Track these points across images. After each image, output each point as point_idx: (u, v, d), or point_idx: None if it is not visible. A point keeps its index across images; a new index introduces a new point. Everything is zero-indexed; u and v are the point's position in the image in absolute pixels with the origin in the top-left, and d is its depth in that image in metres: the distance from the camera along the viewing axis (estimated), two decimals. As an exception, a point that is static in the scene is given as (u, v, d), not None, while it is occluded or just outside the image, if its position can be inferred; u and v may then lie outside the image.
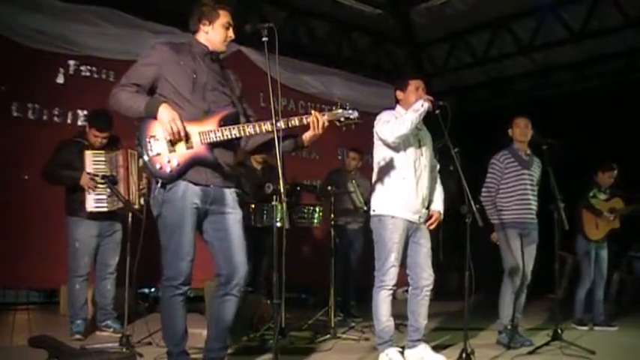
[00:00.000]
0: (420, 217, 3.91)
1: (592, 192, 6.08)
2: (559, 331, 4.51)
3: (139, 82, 3.00)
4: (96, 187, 4.41)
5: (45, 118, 6.16)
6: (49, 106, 6.19)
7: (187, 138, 2.95)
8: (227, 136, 2.99)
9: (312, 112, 3.09)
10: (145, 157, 2.95)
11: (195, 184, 2.99)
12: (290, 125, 3.05)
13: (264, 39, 2.96)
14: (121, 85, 3.01)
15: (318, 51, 8.44)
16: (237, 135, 3.01)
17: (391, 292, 3.86)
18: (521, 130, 4.89)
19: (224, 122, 3.01)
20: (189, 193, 2.97)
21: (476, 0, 7.81)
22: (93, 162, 4.45)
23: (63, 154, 4.56)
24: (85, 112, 6.05)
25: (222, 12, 3.08)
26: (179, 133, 2.90)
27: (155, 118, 2.91)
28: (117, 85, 3.03)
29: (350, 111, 3.14)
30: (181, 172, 2.96)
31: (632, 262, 8.69)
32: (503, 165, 4.85)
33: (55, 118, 6.22)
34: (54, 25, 6.13)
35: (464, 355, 3.74)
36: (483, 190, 4.89)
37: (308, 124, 3.10)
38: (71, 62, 6.34)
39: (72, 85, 6.32)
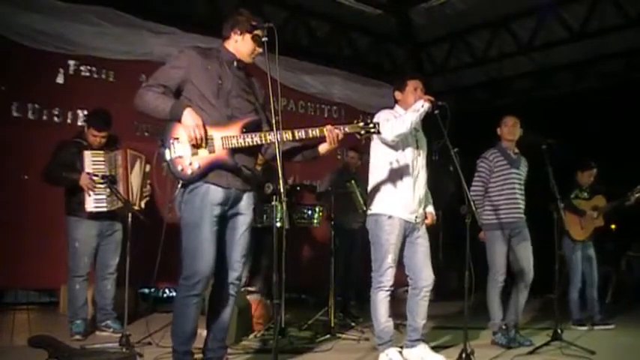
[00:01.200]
0: (416, 217, 3.91)
1: (574, 193, 6.09)
2: (559, 331, 4.51)
3: (165, 84, 3.05)
4: (95, 187, 4.41)
5: (45, 118, 6.16)
6: (49, 106, 6.19)
7: (210, 142, 2.99)
8: (248, 142, 3.03)
9: (328, 126, 3.14)
10: (168, 159, 3.00)
11: (217, 186, 3.04)
12: (311, 136, 3.11)
13: (264, 39, 2.99)
14: (148, 85, 3.06)
15: (318, 51, 8.44)
16: (259, 142, 3.06)
17: (389, 292, 3.85)
18: (509, 129, 4.89)
19: (246, 129, 3.06)
20: (210, 195, 3.02)
21: (476, 0, 7.81)
22: (92, 162, 4.46)
23: (62, 155, 4.56)
24: (85, 112, 6.04)
25: (253, 23, 3.12)
26: (201, 139, 2.94)
27: (179, 121, 2.95)
28: (143, 85, 3.08)
29: (371, 125, 3.21)
30: (202, 175, 3.01)
31: (632, 262, 8.69)
32: (493, 163, 4.84)
33: (55, 118, 6.22)
34: (54, 25, 6.13)
35: (464, 355, 3.74)
36: (472, 188, 4.83)
37: (322, 136, 3.16)
38: (71, 62, 6.33)
39: (72, 85, 6.32)
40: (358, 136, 3.23)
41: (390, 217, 3.84)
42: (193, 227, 3.02)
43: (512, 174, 4.82)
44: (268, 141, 3.06)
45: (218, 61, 3.14)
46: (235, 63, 3.18)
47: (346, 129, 3.19)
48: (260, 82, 3.36)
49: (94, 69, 6.46)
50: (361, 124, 3.20)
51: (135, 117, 6.17)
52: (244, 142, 3.03)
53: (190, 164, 2.99)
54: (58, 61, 6.26)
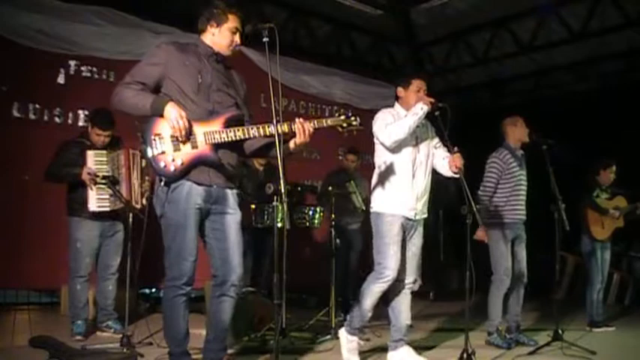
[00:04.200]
0: (415, 213, 3.91)
1: (595, 192, 6.07)
2: (559, 331, 4.51)
3: (143, 81, 3.01)
4: (96, 182, 4.40)
5: (46, 118, 6.15)
6: (50, 107, 6.18)
7: (192, 137, 2.96)
8: (232, 137, 3.00)
9: (297, 119, 3.07)
10: (149, 155, 2.95)
11: (199, 184, 3.01)
12: (293, 129, 3.05)
13: (265, 39, 2.97)
14: (125, 83, 3.01)
15: (318, 51, 8.44)
16: (242, 137, 3.02)
17: (387, 285, 3.83)
18: (521, 130, 4.88)
19: (229, 124, 3.02)
20: (193, 194, 2.99)
21: (476, 0, 7.81)
22: (95, 162, 4.45)
23: (65, 155, 4.57)
24: (86, 113, 6.05)
25: (231, 16, 3.10)
26: (184, 130, 2.91)
27: (161, 116, 2.92)
28: (120, 83, 3.03)
29: (352, 118, 3.16)
30: (185, 172, 2.97)
31: (632, 262, 8.69)
32: (506, 165, 4.81)
33: (56, 119, 6.21)
34: (55, 26, 6.12)
35: (465, 356, 3.74)
36: (481, 189, 4.85)
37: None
38: (72, 62, 6.32)
39: (73, 86, 6.31)
40: (340, 129, 3.17)
41: (392, 214, 3.85)
42: (178, 227, 2.98)
43: (520, 175, 4.82)
44: (251, 135, 3.02)
45: (196, 55, 3.09)
46: (214, 56, 3.14)
47: (329, 122, 3.16)
48: (241, 76, 3.32)
49: (94, 69, 6.45)
50: (342, 117, 3.16)
51: (136, 117, 6.17)
52: (227, 137, 2.99)
53: (173, 160, 2.95)
54: (59, 61, 6.25)
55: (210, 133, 2.98)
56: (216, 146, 3.01)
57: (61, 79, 6.28)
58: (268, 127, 2.99)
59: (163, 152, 2.95)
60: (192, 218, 3.00)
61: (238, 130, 3.00)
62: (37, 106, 6.11)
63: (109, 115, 4.59)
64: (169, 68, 3.01)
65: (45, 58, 6.11)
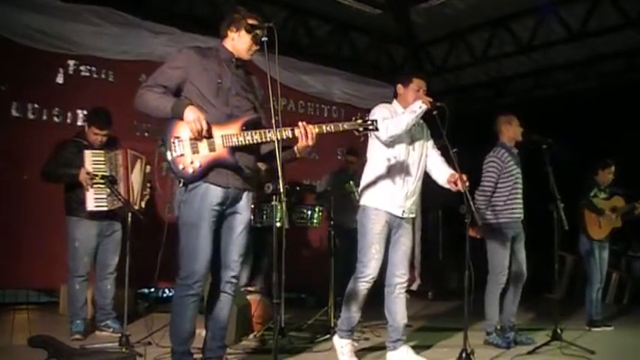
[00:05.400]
0: (403, 211, 3.89)
1: (592, 192, 6.06)
2: (558, 331, 4.51)
3: (165, 84, 3.07)
4: (93, 184, 4.40)
5: (44, 117, 6.15)
6: (49, 106, 6.18)
7: (210, 140, 3.00)
8: (249, 140, 3.04)
9: (300, 123, 3.09)
10: (169, 158, 3.01)
11: (217, 185, 3.04)
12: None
13: (264, 39, 2.99)
14: (148, 85, 3.08)
15: (317, 50, 8.44)
16: (259, 140, 3.05)
17: (369, 284, 3.84)
18: (516, 128, 4.88)
19: (246, 127, 3.06)
20: (209, 195, 3.03)
21: (475, 0, 7.81)
22: (92, 161, 4.46)
23: (62, 154, 4.56)
24: (85, 112, 6.04)
25: (250, 22, 3.14)
26: (203, 131, 2.96)
27: (181, 119, 2.97)
28: (142, 85, 3.09)
29: (369, 122, 3.18)
30: (203, 174, 3.02)
31: (631, 261, 8.69)
32: (504, 164, 4.80)
33: (55, 118, 6.21)
34: (54, 25, 6.13)
35: (464, 355, 3.74)
36: (480, 189, 4.81)
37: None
38: (71, 62, 6.32)
39: (71, 85, 6.31)
40: (356, 133, 3.21)
41: (376, 209, 3.85)
42: (192, 227, 3.03)
43: (518, 173, 4.82)
44: (268, 139, 3.04)
45: (217, 60, 3.16)
46: (234, 61, 3.20)
47: (345, 126, 3.18)
48: (259, 81, 3.37)
49: (93, 69, 6.45)
50: (359, 121, 3.19)
51: (135, 117, 6.18)
52: (244, 140, 3.04)
53: (192, 163, 3.01)
54: (58, 60, 6.25)
55: (227, 136, 3.03)
56: (234, 149, 3.05)
57: (59, 79, 6.28)
58: (285, 130, 3.02)
59: (182, 155, 3.01)
60: (207, 219, 3.03)
61: (255, 134, 3.04)
62: (36, 105, 6.11)
63: (106, 114, 4.60)
64: (190, 72, 3.08)
65: (44, 57, 6.11)
